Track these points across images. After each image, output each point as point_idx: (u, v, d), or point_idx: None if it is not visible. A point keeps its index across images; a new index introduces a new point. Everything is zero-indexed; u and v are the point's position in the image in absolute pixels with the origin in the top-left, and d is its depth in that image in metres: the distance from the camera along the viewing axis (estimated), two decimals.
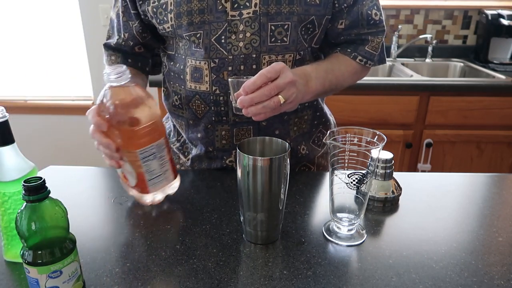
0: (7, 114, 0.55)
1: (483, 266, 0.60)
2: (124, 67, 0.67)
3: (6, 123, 0.55)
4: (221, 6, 0.77)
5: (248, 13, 0.77)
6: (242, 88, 0.67)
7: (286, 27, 0.79)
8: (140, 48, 0.91)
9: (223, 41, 0.79)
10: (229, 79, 0.72)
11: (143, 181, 0.72)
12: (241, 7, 0.77)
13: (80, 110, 2.50)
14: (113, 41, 0.90)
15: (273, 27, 0.78)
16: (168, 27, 0.80)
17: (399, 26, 2.29)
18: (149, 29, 0.88)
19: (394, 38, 2.30)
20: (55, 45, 2.39)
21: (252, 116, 0.69)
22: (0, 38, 2.43)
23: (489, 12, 2.19)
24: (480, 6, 2.31)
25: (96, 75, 2.41)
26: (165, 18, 0.80)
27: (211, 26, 0.78)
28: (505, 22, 2.12)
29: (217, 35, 0.78)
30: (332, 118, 1.02)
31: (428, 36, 2.27)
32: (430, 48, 2.31)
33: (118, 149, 0.69)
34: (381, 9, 0.87)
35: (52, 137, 2.58)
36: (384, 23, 0.88)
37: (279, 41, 0.79)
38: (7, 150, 0.56)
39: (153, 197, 0.76)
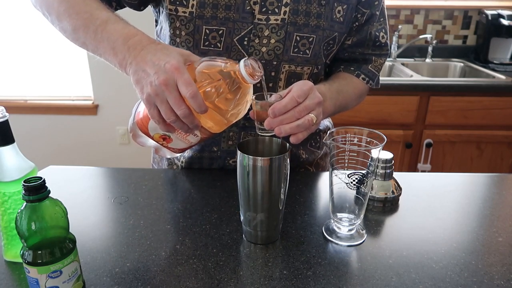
0: (7, 114, 0.55)
1: (483, 266, 0.60)
2: (262, 68, 0.62)
3: (6, 123, 0.55)
4: (249, 7, 0.75)
5: (276, 19, 0.76)
6: (271, 110, 0.64)
7: (311, 39, 0.79)
8: None
9: (245, 43, 0.78)
10: (253, 98, 0.67)
11: (192, 147, 0.72)
12: (269, 12, 0.76)
13: (80, 110, 2.51)
14: None
15: (298, 38, 0.78)
16: (185, 12, 0.76)
17: (399, 26, 2.29)
18: None
19: (394, 38, 2.31)
20: (55, 45, 2.39)
21: (285, 135, 0.65)
22: (0, 38, 2.43)
23: (489, 12, 2.19)
24: (480, 6, 2.31)
25: (96, 75, 2.41)
26: (184, 2, 0.75)
27: (235, 25, 0.76)
28: (505, 22, 2.12)
29: (240, 36, 0.77)
30: (328, 120, 1.02)
31: (428, 36, 2.27)
32: (430, 48, 2.31)
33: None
34: (388, 34, 0.89)
35: (52, 137, 2.58)
36: (389, 47, 0.91)
37: (301, 53, 0.79)
38: (7, 150, 0.56)
39: (176, 154, 0.76)
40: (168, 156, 0.74)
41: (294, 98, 0.64)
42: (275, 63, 0.79)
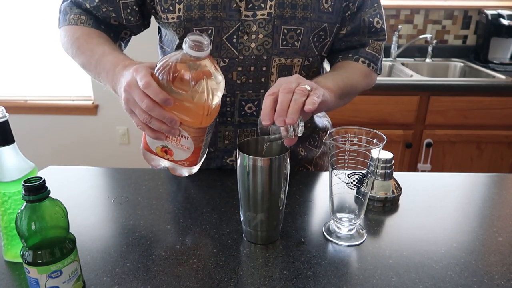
0: (7, 114, 0.55)
1: (483, 266, 0.60)
2: (207, 38, 0.62)
3: (6, 123, 0.55)
4: (235, 5, 0.76)
5: (263, 14, 0.77)
6: (262, 116, 0.61)
7: (298, 31, 0.79)
8: (115, 21, 0.83)
9: (234, 40, 0.78)
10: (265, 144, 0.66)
11: (197, 155, 0.71)
12: (256, 7, 0.77)
13: (80, 110, 2.51)
14: (88, 2, 0.81)
15: (285, 31, 0.78)
16: (173, 18, 0.78)
17: (399, 26, 2.29)
18: (139, 14, 0.83)
19: (394, 38, 2.30)
20: (56, 45, 2.38)
21: (296, 117, 0.60)
22: (0, 38, 2.43)
23: (489, 12, 2.19)
24: (480, 6, 2.31)
25: None
26: (171, 8, 0.77)
27: (223, 24, 0.77)
28: (505, 22, 2.12)
29: (228, 34, 0.78)
30: (327, 119, 1.02)
31: (428, 36, 2.27)
32: (430, 48, 2.31)
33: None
34: (384, 18, 0.88)
35: (52, 137, 2.58)
36: (386, 32, 0.89)
37: (289, 45, 0.80)
38: (7, 150, 0.56)
39: (191, 169, 0.74)
40: (186, 174, 0.74)
41: (268, 94, 0.61)
42: (265, 57, 0.80)
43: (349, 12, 0.84)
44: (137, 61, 0.70)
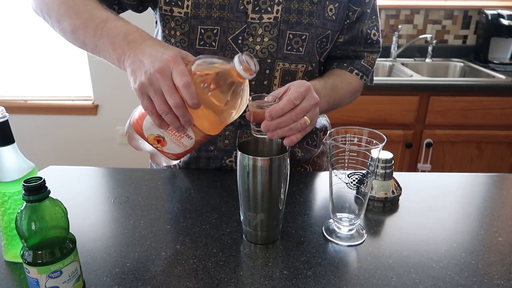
0: (7, 114, 0.55)
1: (483, 266, 0.60)
2: (257, 64, 0.61)
3: (6, 123, 0.55)
4: (242, 7, 0.77)
5: (269, 18, 0.77)
6: (268, 113, 0.63)
7: (304, 37, 0.79)
8: None
9: (239, 41, 0.79)
10: (249, 99, 0.66)
11: (188, 153, 0.70)
12: (262, 11, 0.77)
13: (80, 110, 2.51)
14: None
15: (291, 36, 0.79)
16: (180, 13, 0.77)
17: (399, 26, 2.29)
18: None
19: (394, 38, 2.30)
20: (55, 45, 2.38)
21: (277, 137, 0.65)
22: (0, 38, 2.43)
23: (489, 12, 2.19)
24: (480, 6, 2.31)
25: (96, 75, 2.41)
26: (179, 2, 0.77)
27: (229, 24, 0.77)
28: (505, 22, 2.12)
29: (234, 35, 0.78)
30: (325, 119, 1.03)
31: (428, 36, 2.27)
32: (430, 48, 2.31)
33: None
34: (380, 31, 0.90)
35: (52, 137, 2.58)
36: (381, 44, 0.92)
37: (294, 50, 0.80)
38: (7, 150, 0.56)
39: (173, 162, 0.74)
40: (164, 164, 0.73)
41: (291, 101, 0.63)
42: (269, 61, 0.80)
43: (348, 21, 0.85)
44: (156, 38, 0.66)
